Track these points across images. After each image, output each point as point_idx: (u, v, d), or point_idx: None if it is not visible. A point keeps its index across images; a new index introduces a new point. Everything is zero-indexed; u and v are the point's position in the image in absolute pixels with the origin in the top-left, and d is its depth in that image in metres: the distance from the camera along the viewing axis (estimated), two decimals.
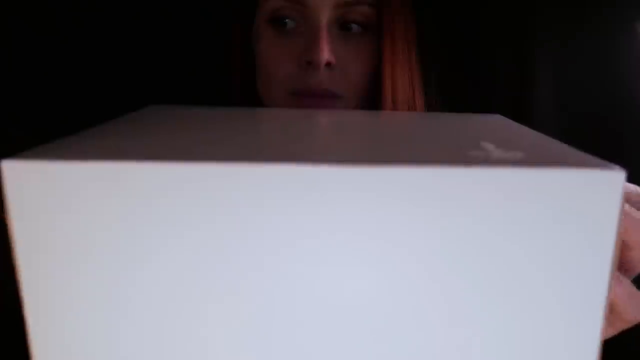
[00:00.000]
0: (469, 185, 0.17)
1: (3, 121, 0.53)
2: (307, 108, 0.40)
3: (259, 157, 0.17)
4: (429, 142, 0.21)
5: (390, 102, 0.42)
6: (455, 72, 0.55)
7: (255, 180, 0.17)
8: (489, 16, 0.55)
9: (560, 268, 0.18)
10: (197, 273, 0.17)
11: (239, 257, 0.17)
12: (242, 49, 0.45)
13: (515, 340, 0.19)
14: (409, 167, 0.17)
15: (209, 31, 0.53)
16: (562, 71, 0.54)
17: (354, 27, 0.41)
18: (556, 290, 0.18)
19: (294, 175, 0.17)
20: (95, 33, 0.54)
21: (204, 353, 0.18)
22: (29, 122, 0.54)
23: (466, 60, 0.56)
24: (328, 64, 0.39)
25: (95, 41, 0.54)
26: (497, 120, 0.28)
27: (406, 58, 0.42)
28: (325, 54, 0.39)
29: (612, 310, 0.22)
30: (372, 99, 0.43)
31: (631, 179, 0.18)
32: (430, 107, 0.45)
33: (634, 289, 0.22)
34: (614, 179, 0.17)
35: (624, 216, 0.20)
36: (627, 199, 0.23)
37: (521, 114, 0.54)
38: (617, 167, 0.17)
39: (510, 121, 0.28)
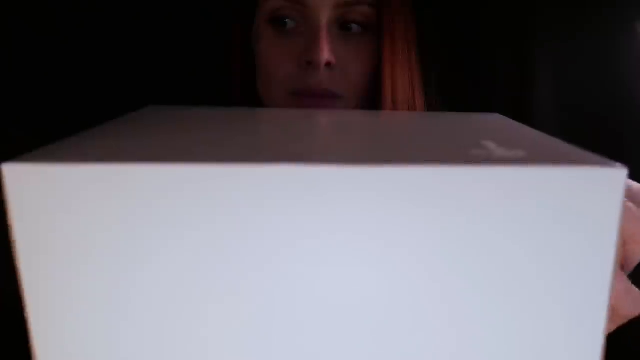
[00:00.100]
0: (471, 184, 0.17)
1: (3, 121, 0.53)
2: (307, 108, 0.40)
3: (259, 157, 0.17)
4: (430, 141, 0.21)
5: (390, 102, 0.42)
6: (455, 72, 0.55)
7: (255, 181, 0.17)
8: (489, 16, 0.55)
9: (562, 265, 0.18)
10: (197, 274, 0.17)
11: (239, 257, 0.17)
12: (242, 49, 0.45)
13: (517, 340, 0.19)
14: (410, 167, 0.17)
15: (209, 31, 0.53)
16: (562, 71, 0.54)
17: (354, 27, 0.41)
18: (559, 288, 0.18)
19: (294, 176, 0.17)
20: (95, 33, 0.54)
21: (204, 353, 0.18)
22: (29, 122, 0.54)
23: (466, 60, 0.56)
24: (328, 64, 0.39)
25: (95, 41, 0.54)
26: (497, 120, 0.28)
27: (406, 58, 0.42)
28: (325, 54, 0.39)
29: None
30: (372, 99, 0.43)
31: (631, 179, 0.18)
32: (430, 107, 0.45)
33: (630, 284, 0.22)
34: (616, 176, 0.17)
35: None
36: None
37: (521, 114, 0.54)
38: (619, 164, 0.17)
39: (510, 120, 0.28)
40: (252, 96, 0.45)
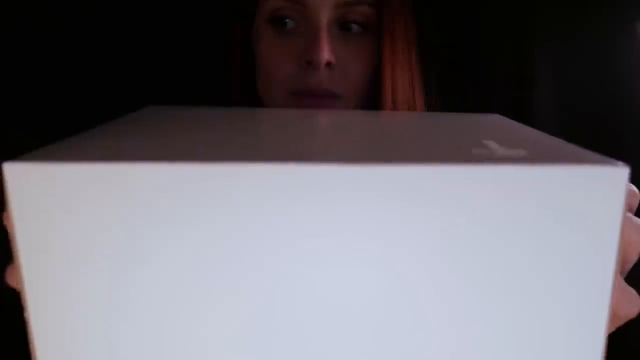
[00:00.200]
0: (473, 184, 0.17)
1: (3, 121, 0.53)
2: (307, 108, 0.40)
3: (259, 157, 0.17)
4: (431, 141, 0.21)
5: (390, 102, 0.42)
6: (455, 72, 0.55)
7: (255, 180, 0.17)
8: (489, 16, 0.55)
9: (564, 264, 0.18)
10: (197, 273, 0.17)
11: (239, 257, 0.17)
12: (242, 49, 0.45)
13: (518, 341, 0.19)
14: (411, 166, 0.17)
15: (209, 31, 0.53)
16: (562, 71, 0.54)
17: (354, 27, 0.41)
18: (560, 287, 0.18)
19: (294, 175, 0.17)
20: (95, 33, 0.54)
21: (205, 353, 0.18)
22: (29, 122, 0.54)
23: (466, 60, 0.56)
24: (328, 64, 0.39)
25: (95, 41, 0.54)
26: (498, 120, 0.28)
27: (406, 58, 0.42)
28: (325, 54, 0.39)
29: None
30: (372, 99, 0.43)
31: (631, 179, 0.18)
32: (430, 107, 0.45)
33: (625, 284, 0.22)
34: (617, 174, 0.17)
35: None
36: None
37: (521, 114, 0.54)
38: (621, 163, 0.17)
39: (510, 120, 0.28)
40: (252, 96, 0.45)
